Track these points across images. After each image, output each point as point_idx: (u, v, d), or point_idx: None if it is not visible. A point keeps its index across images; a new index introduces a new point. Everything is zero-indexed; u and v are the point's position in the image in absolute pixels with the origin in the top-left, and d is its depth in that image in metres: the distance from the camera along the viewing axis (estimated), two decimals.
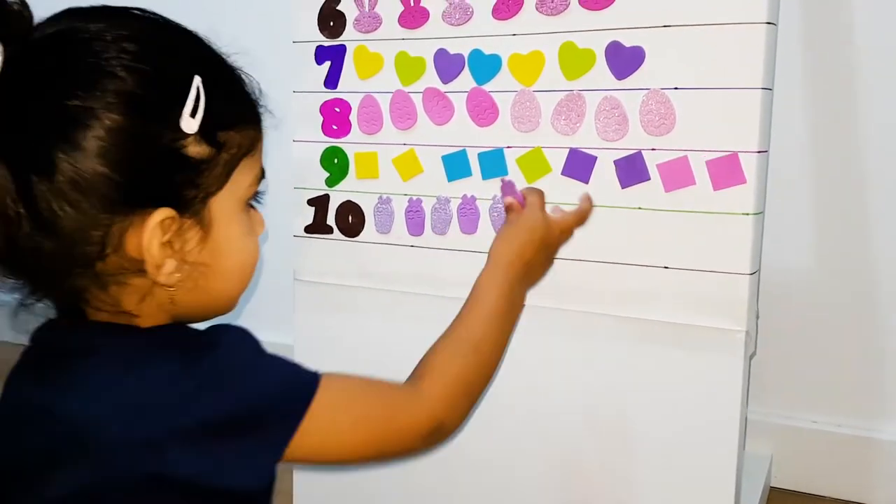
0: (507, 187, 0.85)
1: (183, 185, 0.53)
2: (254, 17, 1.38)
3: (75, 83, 0.49)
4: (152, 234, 0.51)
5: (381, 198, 1.00)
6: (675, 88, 0.83)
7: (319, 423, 0.56)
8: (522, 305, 0.81)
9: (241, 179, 0.56)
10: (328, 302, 1.04)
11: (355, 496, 1.05)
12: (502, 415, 0.95)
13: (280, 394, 0.55)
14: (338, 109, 1.01)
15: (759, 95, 0.79)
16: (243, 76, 0.58)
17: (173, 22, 0.56)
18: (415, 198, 0.98)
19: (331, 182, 1.03)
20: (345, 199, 1.02)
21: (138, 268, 0.52)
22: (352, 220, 1.02)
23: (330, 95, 1.02)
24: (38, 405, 0.53)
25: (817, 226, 1.08)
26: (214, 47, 0.57)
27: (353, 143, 1.01)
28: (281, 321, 1.11)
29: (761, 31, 0.79)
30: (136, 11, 0.54)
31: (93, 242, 0.50)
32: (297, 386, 0.56)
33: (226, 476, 0.52)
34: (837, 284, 1.09)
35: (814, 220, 1.09)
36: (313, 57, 1.02)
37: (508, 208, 0.84)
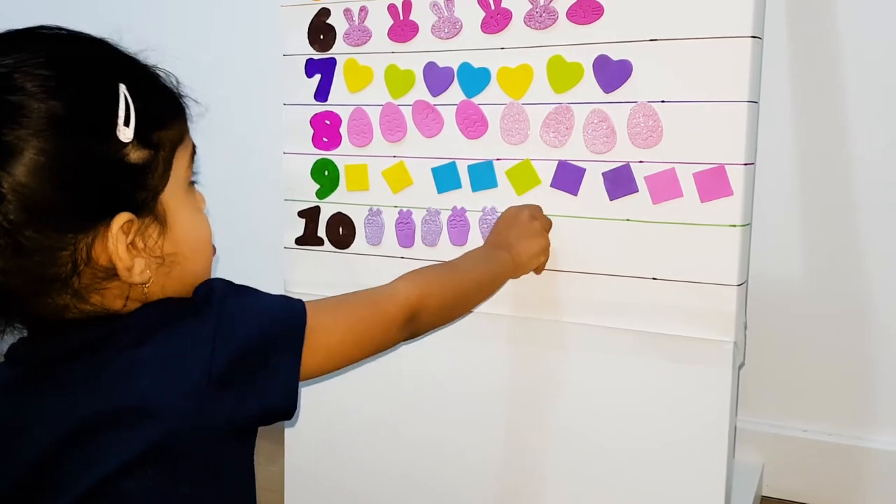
0: None
1: (133, 189, 0.55)
2: (244, 30, 1.39)
3: (6, 119, 0.50)
4: (116, 239, 0.54)
5: (371, 210, 1.00)
6: (663, 101, 0.83)
7: (320, 334, 0.63)
8: (502, 273, 0.87)
9: (179, 168, 0.59)
10: None
11: (344, 484, 1.06)
12: (488, 421, 0.95)
13: (281, 318, 0.62)
14: (328, 122, 1.02)
15: (746, 108, 0.80)
16: (159, 73, 0.60)
17: (84, 34, 0.57)
18: (405, 210, 0.98)
19: (321, 194, 1.03)
20: (335, 211, 1.03)
21: (112, 274, 0.55)
22: (342, 232, 1.02)
23: (320, 108, 1.02)
24: (63, 408, 0.55)
25: (806, 236, 1.09)
26: (127, 51, 0.58)
27: (343, 156, 1.01)
28: None
29: (747, 45, 0.79)
30: (44, 31, 0.56)
31: (64, 262, 0.53)
32: (291, 309, 0.63)
33: (263, 399, 0.58)
34: (826, 294, 1.09)
35: (802, 230, 1.09)
36: (303, 70, 1.02)
37: None
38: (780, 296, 1.10)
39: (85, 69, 0.54)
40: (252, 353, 0.58)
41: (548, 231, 0.90)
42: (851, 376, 1.09)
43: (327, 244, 1.04)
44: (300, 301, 0.64)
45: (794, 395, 1.13)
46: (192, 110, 0.61)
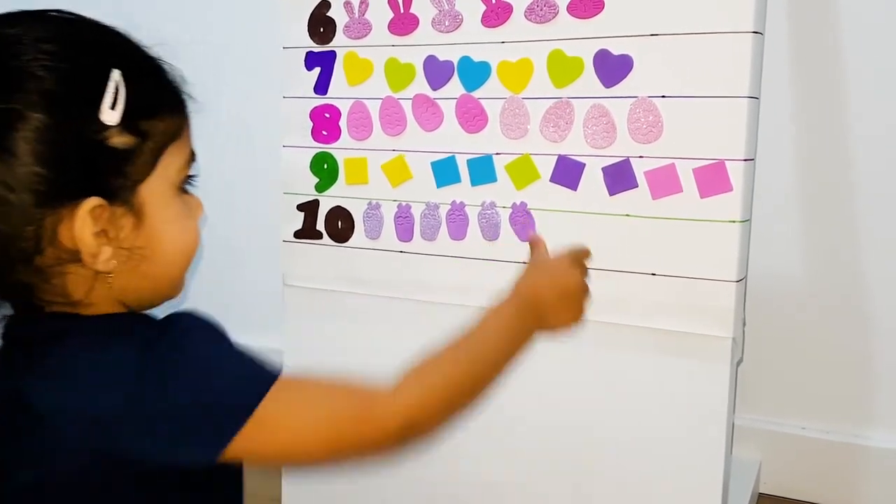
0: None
1: (109, 174, 0.54)
2: (244, 23, 1.38)
3: (2, 87, 0.51)
4: (83, 223, 0.53)
5: (370, 203, 1.00)
6: (663, 97, 0.83)
7: (271, 420, 0.55)
8: (527, 341, 0.73)
9: (169, 165, 0.58)
10: (317, 307, 1.04)
11: (344, 485, 1.05)
12: (489, 419, 0.95)
13: (232, 388, 0.55)
14: (327, 115, 1.02)
15: (746, 104, 0.80)
16: (164, 66, 0.59)
17: (91, 19, 0.57)
18: (404, 204, 0.98)
19: (320, 187, 1.03)
20: (334, 205, 1.02)
21: (76, 258, 0.54)
22: (341, 226, 1.02)
23: (320, 101, 1.02)
24: (7, 391, 0.55)
25: (805, 232, 1.09)
26: (134, 40, 0.58)
27: (342, 149, 1.01)
28: (270, 326, 1.11)
29: (748, 41, 0.79)
30: (53, 13, 0.56)
31: (28, 238, 0.52)
32: (250, 382, 0.56)
33: (174, 456, 0.53)
34: (825, 291, 1.09)
35: (802, 227, 1.09)
36: (303, 63, 1.02)
37: (533, 245, 0.80)
38: (778, 292, 1.10)
39: (82, 50, 0.55)
40: (180, 409, 0.53)
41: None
42: (849, 374, 1.10)
43: (326, 238, 1.03)
44: (270, 374, 0.56)
45: (792, 392, 1.13)
46: (190, 106, 0.60)
